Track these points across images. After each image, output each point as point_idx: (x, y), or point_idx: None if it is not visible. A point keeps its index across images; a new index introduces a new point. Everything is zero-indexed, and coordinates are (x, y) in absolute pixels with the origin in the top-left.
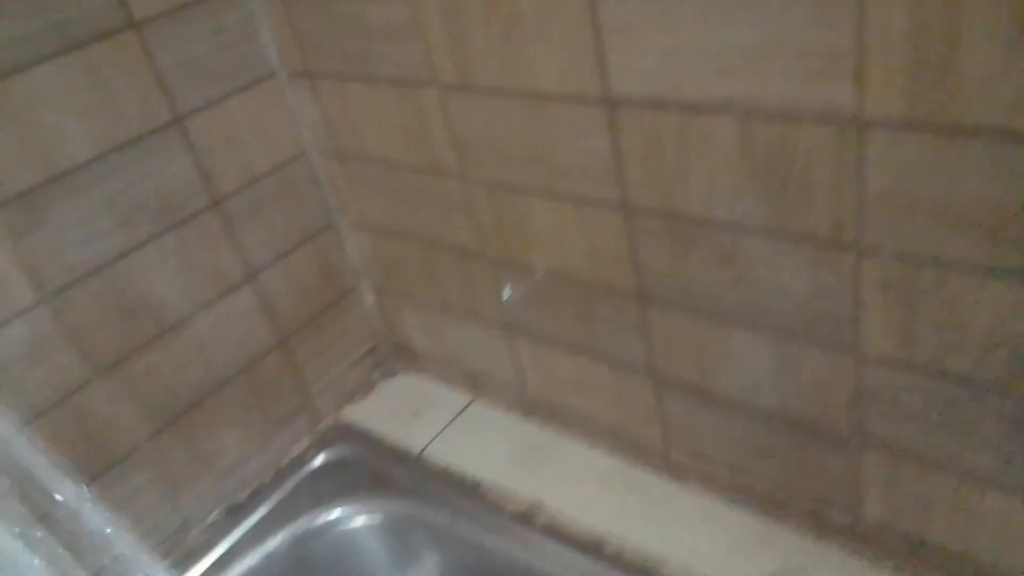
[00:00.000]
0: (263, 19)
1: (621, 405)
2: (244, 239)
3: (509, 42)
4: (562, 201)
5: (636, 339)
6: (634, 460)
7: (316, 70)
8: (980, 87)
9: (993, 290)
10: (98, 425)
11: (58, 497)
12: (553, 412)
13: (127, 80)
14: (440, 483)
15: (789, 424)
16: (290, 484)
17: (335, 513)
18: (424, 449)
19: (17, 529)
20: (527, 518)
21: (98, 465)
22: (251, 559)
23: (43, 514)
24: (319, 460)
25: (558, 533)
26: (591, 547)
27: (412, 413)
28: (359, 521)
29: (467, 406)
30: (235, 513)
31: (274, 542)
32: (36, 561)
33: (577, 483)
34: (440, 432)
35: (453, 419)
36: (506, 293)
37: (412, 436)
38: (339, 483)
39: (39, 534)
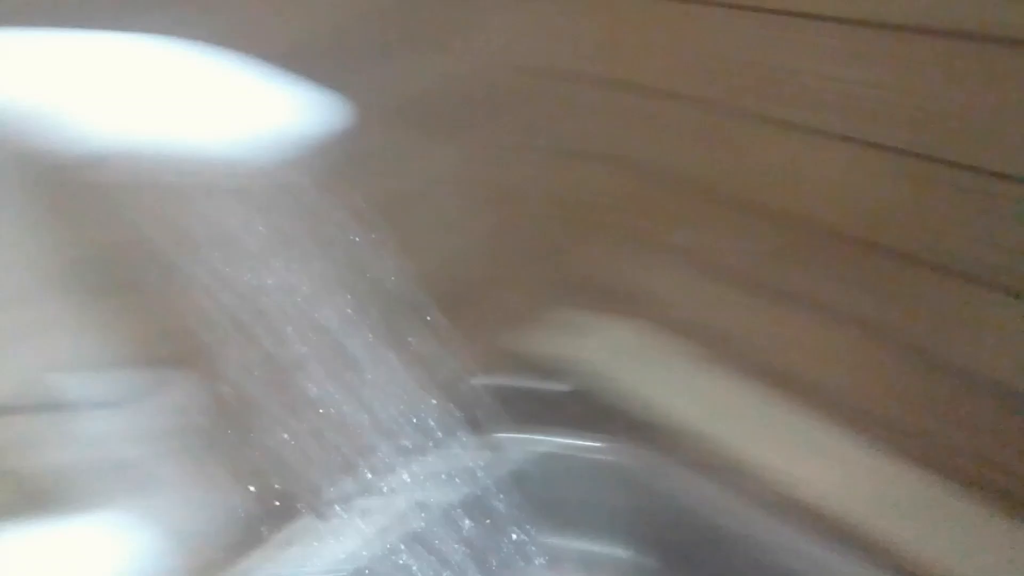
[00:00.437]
0: None
1: (872, 381)
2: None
3: None
4: (830, 139)
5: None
6: (888, 447)
7: None
8: None
9: None
10: None
11: None
12: (782, 376)
13: None
14: (655, 431)
15: None
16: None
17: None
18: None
19: None
20: (747, 482)
21: None
22: None
23: None
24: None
25: (797, 510)
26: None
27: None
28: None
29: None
30: None
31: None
32: None
33: (811, 460)
34: (644, 380)
35: (661, 369)
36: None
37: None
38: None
39: None
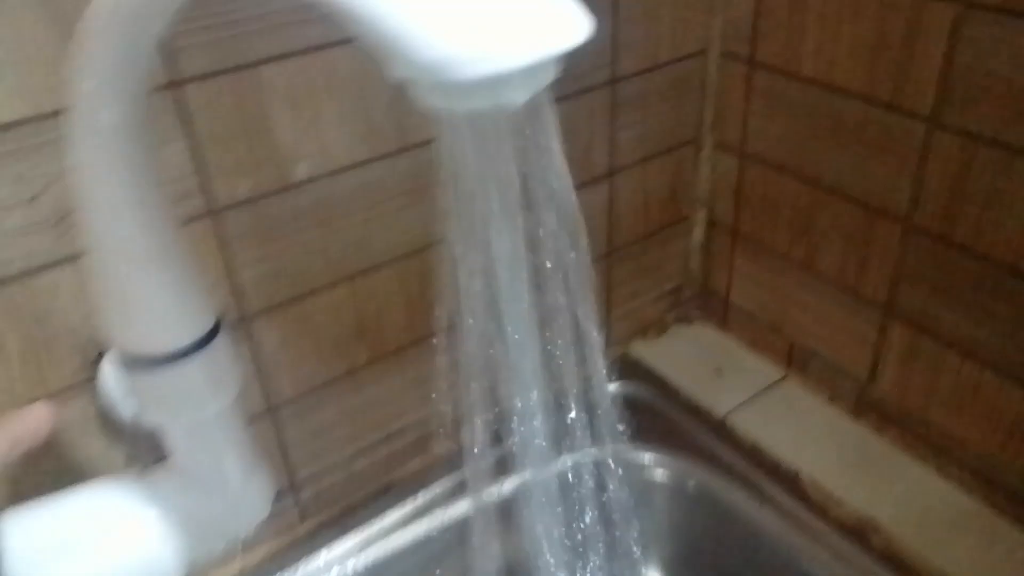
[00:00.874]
0: None
1: (1009, 438)
2: (619, 131)
3: None
4: None
5: None
6: (1005, 511)
7: None
8: None
9: None
10: None
11: None
12: (900, 420)
13: None
14: (747, 460)
15: None
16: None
17: (628, 453)
18: (728, 414)
19: None
20: (859, 534)
21: None
22: None
23: None
24: (611, 389)
25: (901, 565)
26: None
27: (713, 370)
28: (656, 473)
29: (779, 380)
30: None
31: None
32: None
33: (924, 514)
34: (746, 401)
35: (762, 391)
36: None
37: (713, 396)
38: (629, 422)
39: None
